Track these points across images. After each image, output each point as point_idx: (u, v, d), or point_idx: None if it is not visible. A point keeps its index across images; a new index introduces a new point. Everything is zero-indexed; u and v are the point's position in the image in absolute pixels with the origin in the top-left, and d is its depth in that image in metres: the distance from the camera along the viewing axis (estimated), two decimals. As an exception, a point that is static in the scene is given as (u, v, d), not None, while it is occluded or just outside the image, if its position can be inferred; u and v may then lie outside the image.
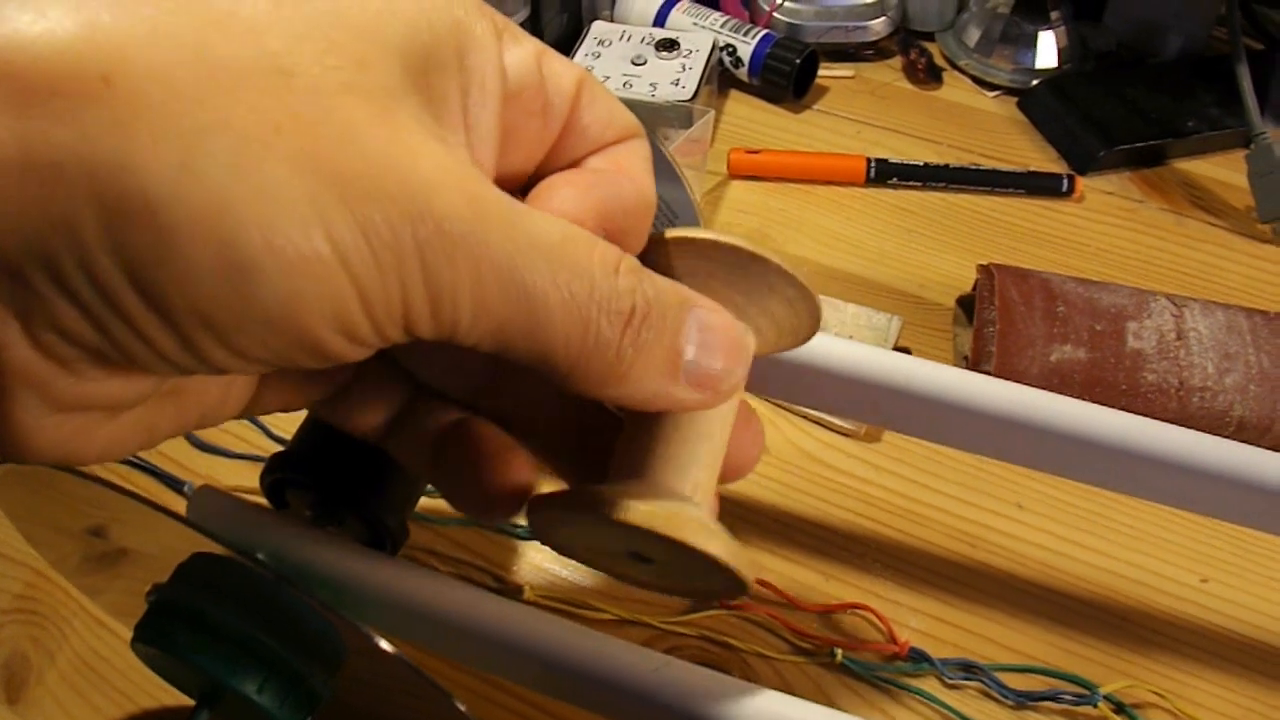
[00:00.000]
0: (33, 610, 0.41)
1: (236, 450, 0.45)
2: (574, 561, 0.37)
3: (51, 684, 0.39)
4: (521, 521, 0.43)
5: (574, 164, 0.23)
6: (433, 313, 0.17)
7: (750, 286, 0.22)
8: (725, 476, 0.25)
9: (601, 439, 0.25)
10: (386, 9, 0.18)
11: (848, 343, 0.33)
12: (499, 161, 0.21)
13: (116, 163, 0.14)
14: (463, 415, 0.25)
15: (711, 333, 0.20)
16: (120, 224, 0.15)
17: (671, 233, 0.23)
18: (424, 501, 0.44)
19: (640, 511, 0.20)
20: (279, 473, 0.31)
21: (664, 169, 0.44)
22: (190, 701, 0.29)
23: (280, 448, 0.35)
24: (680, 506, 0.21)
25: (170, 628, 0.27)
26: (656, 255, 0.23)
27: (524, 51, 0.21)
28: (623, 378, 0.19)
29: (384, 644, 0.25)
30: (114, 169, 0.14)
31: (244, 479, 0.44)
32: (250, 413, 0.24)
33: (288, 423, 0.34)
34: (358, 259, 0.16)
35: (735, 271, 0.22)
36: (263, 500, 0.33)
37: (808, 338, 0.24)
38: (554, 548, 0.25)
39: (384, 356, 0.23)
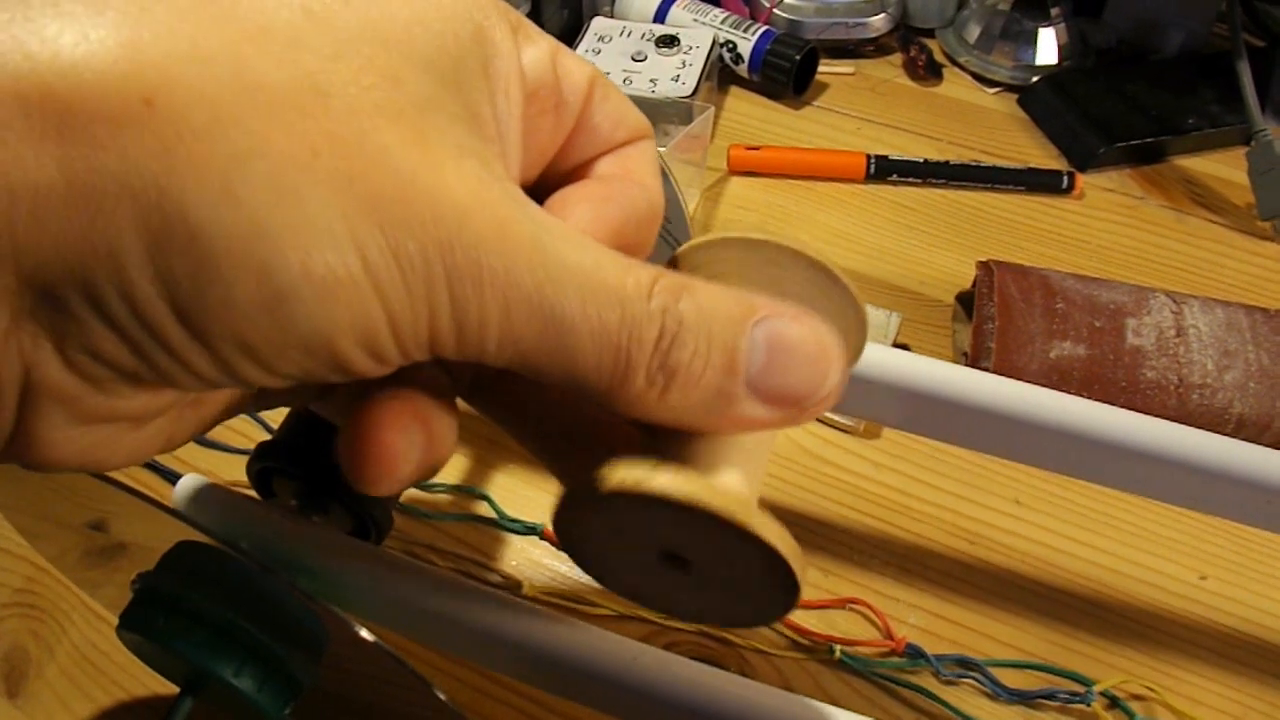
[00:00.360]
0: (32, 604, 0.41)
1: (235, 445, 0.46)
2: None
3: (51, 677, 0.39)
4: (521, 517, 0.43)
5: (583, 165, 0.23)
6: (458, 337, 0.17)
7: (824, 305, 0.21)
8: None
9: (611, 439, 0.23)
10: (415, 20, 0.17)
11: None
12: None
13: (159, 188, 0.14)
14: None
15: (784, 343, 0.18)
16: (163, 251, 0.15)
17: (732, 234, 0.22)
18: (422, 497, 0.44)
19: (688, 482, 0.18)
20: (265, 462, 0.31)
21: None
22: (183, 693, 0.29)
23: (276, 440, 0.35)
24: (730, 488, 0.19)
25: (151, 614, 0.27)
26: (725, 260, 0.22)
27: (539, 50, 0.21)
28: (660, 400, 0.18)
29: (364, 632, 0.25)
30: (156, 195, 0.14)
31: (241, 473, 0.44)
32: (251, 409, 0.23)
33: (282, 414, 0.34)
34: (388, 283, 0.16)
35: (809, 287, 0.21)
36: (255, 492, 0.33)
37: (855, 354, 0.23)
38: (579, 557, 0.23)
39: None
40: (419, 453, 0.19)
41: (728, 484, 0.20)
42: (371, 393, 0.20)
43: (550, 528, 0.42)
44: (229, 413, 0.22)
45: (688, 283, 0.18)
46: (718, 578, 0.21)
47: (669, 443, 0.20)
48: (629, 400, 0.18)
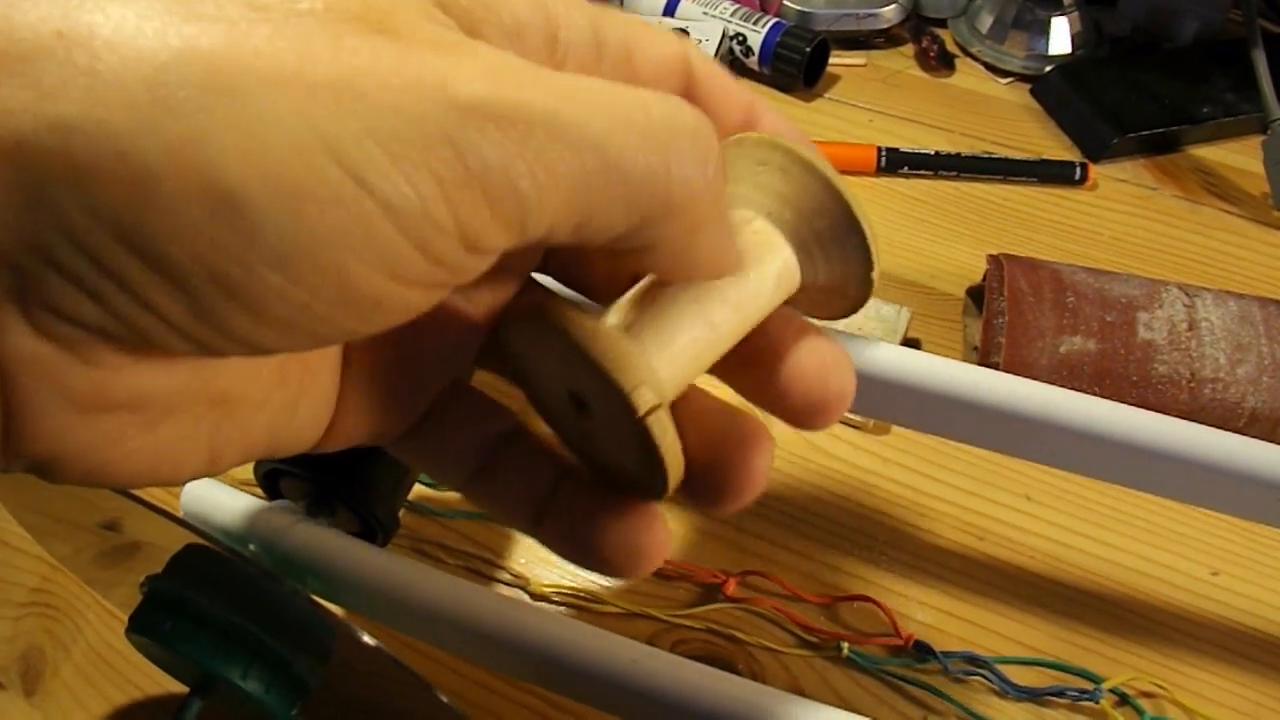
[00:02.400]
0: (48, 604, 0.41)
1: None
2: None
3: (67, 677, 0.39)
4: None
5: None
6: (491, 209, 0.15)
7: (825, 238, 0.21)
8: (802, 414, 0.21)
9: None
10: None
11: (854, 338, 0.33)
12: None
13: (79, 114, 0.13)
14: (559, 466, 0.23)
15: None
16: (93, 178, 0.13)
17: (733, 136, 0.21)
18: (431, 494, 0.44)
19: (571, 319, 0.17)
20: (272, 463, 0.31)
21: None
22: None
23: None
24: (622, 337, 0.18)
25: (159, 617, 0.28)
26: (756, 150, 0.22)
27: (581, 16, 0.19)
28: (712, 220, 0.17)
29: (366, 637, 0.26)
30: (77, 121, 0.13)
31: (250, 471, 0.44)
32: (329, 445, 0.22)
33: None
34: (374, 172, 0.14)
35: (831, 223, 0.21)
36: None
37: (852, 308, 0.22)
38: (514, 369, 0.22)
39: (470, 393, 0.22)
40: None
41: (651, 352, 0.19)
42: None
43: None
44: (288, 430, 0.20)
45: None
46: (611, 433, 0.20)
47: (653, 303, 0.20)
48: (690, 216, 0.17)
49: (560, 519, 0.22)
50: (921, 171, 0.63)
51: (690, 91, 0.22)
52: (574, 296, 0.24)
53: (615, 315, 0.20)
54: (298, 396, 0.20)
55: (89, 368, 0.15)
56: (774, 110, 0.23)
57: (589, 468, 0.22)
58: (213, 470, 0.19)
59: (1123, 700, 0.38)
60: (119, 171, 0.13)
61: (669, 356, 0.19)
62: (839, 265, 0.21)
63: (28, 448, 0.16)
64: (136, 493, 0.28)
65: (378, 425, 0.22)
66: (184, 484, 0.20)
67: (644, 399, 0.18)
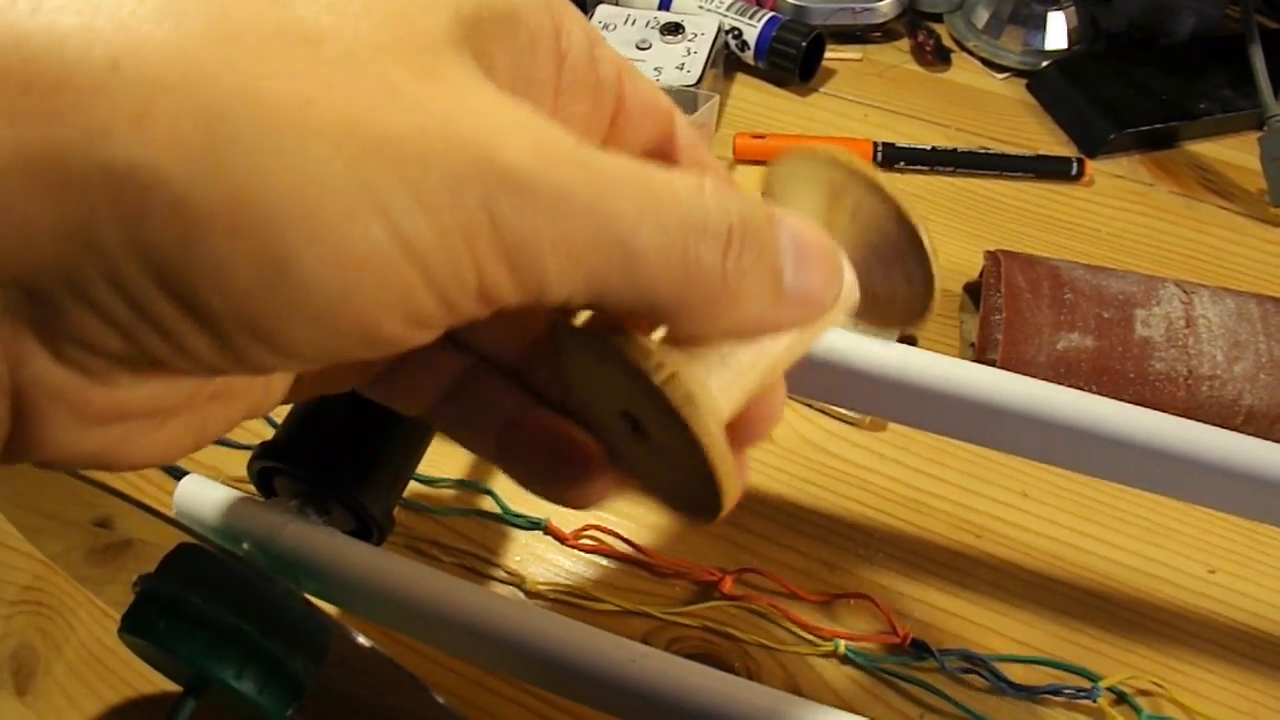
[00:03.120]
0: (40, 602, 0.41)
1: (240, 440, 0.46)
2: (581, 553, 0.37)
3: (59, 675, 0.39)
4: (525, 512, 0.43)
5: (631, 150, 0.22)
6: (513, 275, 0.15)
7: (887, 258, 0.21)
8: (744, 437, 0.22)
9: None
10: None
11: (850, 335, 0.33)
12: None
13: (130, 158, 0.13)
14: (524, 399, 0.23)
15: (805, 245, 0.18)
16: (143, 225, 0.13)
17: (863, 170, 0.21)
18: (428, 492, 0.44)
19: (641, 347, 0.18)
20: (266, 461, 0.31)
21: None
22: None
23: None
24: (688, 367, 0.19)
25: (152, 617, 0.27)
26: (821, 169, 0.21)
27: (578, 31, 0.20)
28: (733, 305, 0.17)
29: (361, 638, 0.25)
30: (129, 164, 0.13)
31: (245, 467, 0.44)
32: (293, 398, 0.22)
33: (284, 410, 0.34)
34: (416, 233, 0.14)
35: (899, 242, 0.21)
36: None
37: (922, 312, 0.22)
38: (563, 382, 0.23)
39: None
40: None
41: (712, 371, 0.19)
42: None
43: (553, 521, 0.42)
44: (263, 403, 0.21)
45: (728, 183, 0.18)
46: (666, 456, 0.20)
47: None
48: (699, 310, 0.17)
49: (519, 454, 0.23)
50: (918, 167, 0.63)
51: (668, 153, 0.23)
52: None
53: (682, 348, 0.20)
54: (272, 375, 0.21)
55: (105, 388, 0.15)
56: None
57: (632, 476, 0.23)
58: (198, 447, 0.19)
59: (1120, 698, 0.38)
60: (170, 219, 0.13)
61: (728, 382, 0.20)
62: (901, 283, 0.22)
63: (37, 454, 0.16)
64: (128, 491, 0.28)
65: (341, 383, 0.23)
66: (172, 463, 0.20)
67: (709, 433, 0.18)
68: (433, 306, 0.15)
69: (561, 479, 0.22)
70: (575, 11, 0.20)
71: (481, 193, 0.14)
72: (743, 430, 0.22)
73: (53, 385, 0.15)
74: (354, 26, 0.15)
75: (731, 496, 0.19)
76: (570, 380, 0.22)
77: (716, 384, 0.20)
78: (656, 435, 0.20)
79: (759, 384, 0.21)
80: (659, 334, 0.21)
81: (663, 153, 0.23)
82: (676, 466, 0.20)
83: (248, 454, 0.32)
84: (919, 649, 0.39)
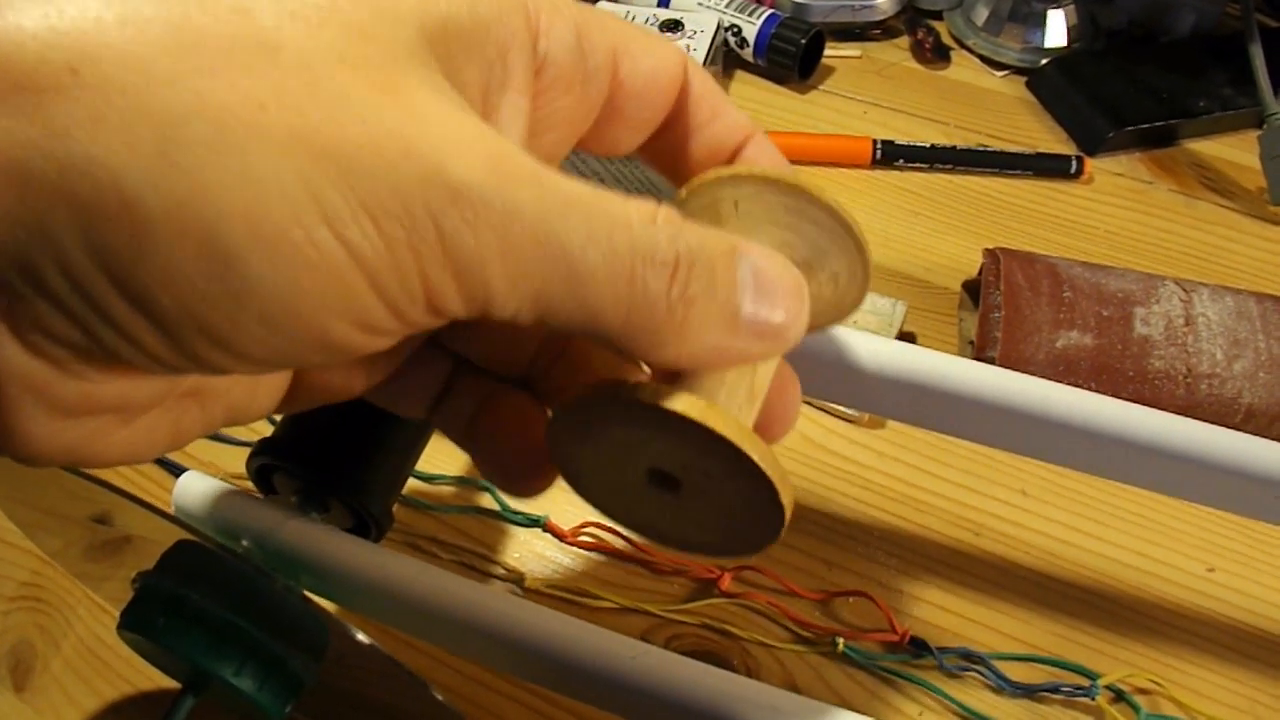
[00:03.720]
0: (38, 598, 0.41)
1: (239, 437, 0.46)
2: (579, 550, 0.37)
3: (57, 671, 0.39)
4: (524, 509, 0.43)
5: (634, 126, 0.23)
6: (459, 287, 0.16)
7: (809, 233, 0.21)
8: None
9: None
10: None
11: (849, 332, 0.33)
12: (530, 145, 0.20)
13: (87, 156, 0.14)
14: (498, 385, 0.24)
15: (767, 280, 0.19)
16: (95, 221, 0.14)
17: (719, 172, 0.21)
18: (427, 489, 0.44)
19: (681, 399, 0.18)
20: (264, 458, 0.31)
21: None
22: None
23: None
24: (724, 406, 0.19)
25: (151, 614, 0.27)
26: (702, 199, 0.22)
27: (564, 26, 0.20)
28: (679, 334, 0.18)
29: (360, 635, 0.25)
30: (85, 163, 0.14)
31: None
32: (290, 408, 0.22)
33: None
34: (361, 239, 0.14)
35: (793, 215, 0.21)
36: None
37: (854, 305, 0.23)
38: (569, 473, 0.22)
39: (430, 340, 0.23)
40: None
41: (733, 409, 0.20)
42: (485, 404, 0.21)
43: (552, 519, 0.42)
44: (249, 409, 0.21)
45: (681, 218, 0.18)
46: (704, 503, 0.21)
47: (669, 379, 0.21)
48: (644, 337, 0.17)
49: (483, 444, 0.24)
50: (917, 164, 0.63)
51: (681, 106, 0.23)
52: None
53: (682, 386, 0.20)
54: (257, 381, 0.21)
55: (74, 380, 0.16)
56: (767, 139, 0.24)
57: (654, 537, 0.23)
58: (175, 447, 0.20)
59: (1118, 696, 0.38)
60: (121, 217, 0.14)
61: (744, 406, 0.21)
62: (844, 280, 0.22)
63: (12, 447, 0.17)
64: (126, 488, 0.28)
65: (334, 392, 0.23)
66: (149, 461, 0.20)
67: (762, 456, 0.18)
68: (380, 313, 0.16)
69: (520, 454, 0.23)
70: (564, 4, 0.20)
71: (429, 206, 0.15)
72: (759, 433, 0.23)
73: (24, 374, 0.15)
74: (314, 37, 0.15)
75: (790, 509, 0.20)
76: (579, 468, 0.22)
77: (740, 410, 0.20)
78: (694, 480, 0.20)
79: (762, 395, 0.21)
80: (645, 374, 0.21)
81: (677, 119, 0.23)
82: (718, 505, 0.21)
83: (247, 450, 0.32)
84: (918, 647, 0.39)
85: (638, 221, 0.17)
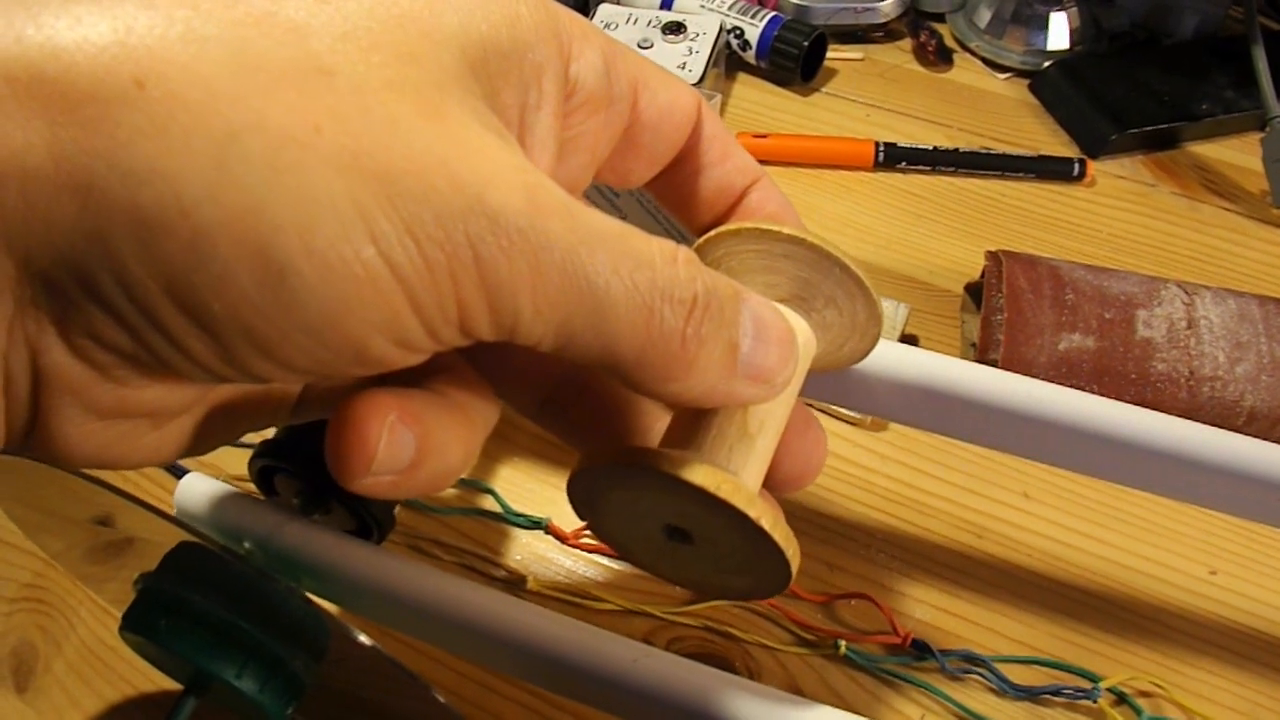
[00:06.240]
0: (40, 599, 0.41)
1: (243, 440, 0.46)
2: (582, 552, 0.37)
3: (59, 673, 0.39)
4: (526, 511, 0.43)
5: (648, 158, 0.23)
6: (490, 311, 0.16)
7: (815, 283, 0.22)
8: (787, 485, 0.24)
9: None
10: (445, 1, 0.17)
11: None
12: (557, 167, 0.21)
13: (149, 168, 0.14)
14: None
15: (764, 326, 0.20)
16: (152, 231, 0.14)
17: (729, 226, 0.22)
18: (428, 491, 0.44)
19: (702, 471, 0.19)
20: (266, 459, 0.31)
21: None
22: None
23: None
24: (737, 477, 0.21)
25: (153, 615, 0.27)
26: (712, 250, 0.23)
27: (593, 52, 0.20)
28: (688, 369, 0.18)
29: (362, 637, 0.25)
30: (146, 174, 0.14)
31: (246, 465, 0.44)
32: (303, 416, 0.23)
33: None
34: (405, 259, 0.15)
35: (766, 258, 0.22)
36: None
37: (871, 344, 0.24)
38: (590, 520, 0.24)
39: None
40: (407, 454, 0.18)
41: (740, 473, 0.21)
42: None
43: (554, 521, 0.42)
44: (263, 418, 0.22)
45: (697, 259, 0.19)
46: (716, 555, 0.22)
47: (682, 424, 0.22)
48: (656, 369, 0.18)
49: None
50: (919, 167, 0.63)
51: (693, 145, 0.24)
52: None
53: (697, 447, 0.22)
54: (278, 389, 0.22)
55: (114, 385, 0.16)
56: (772, 183, 0.25)
57: (671, 577, 0.25)
58: (200, 453, 0.20)
59: (1120, 699, 0.38)
60: (179, 228, 0.14)
61: (753, 467, 0.22)
62: (848, 323, 0.23)
63: (46, 446, 0.17)
64: (129, 489, 0.28)
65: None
66: (171, 463, 0.20)
67: (769, 520, 0.20)
68: (417, 330, 0.16)
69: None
70: (592, 32, 0.21)
71: (469, 231, 0.15)
72: (786, 482, 0.24)
73: (67, 377, 0.16)
74: (365, 61, 0.16)
75: (796, 567, 0.21)
76: (600, 521, 0.24)
77: (739, 462, 0.21)
78: (705, 535, 0.22)
79: (772, 447, 0.22)
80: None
81: (688, 157, 0.24)
82: (729, 557, 0.22)
83: (248, 452, 0.32)
84: (920, 649, 0.39)
85: (660, 261, 0.18)
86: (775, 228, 0.22)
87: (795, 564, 0.21)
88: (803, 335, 0.23)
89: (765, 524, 0.20)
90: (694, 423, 0.22)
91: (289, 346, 0.16)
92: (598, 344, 0.17)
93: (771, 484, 0.24)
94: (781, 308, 0.22)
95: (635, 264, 0.17)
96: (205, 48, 0.15)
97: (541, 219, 0.16)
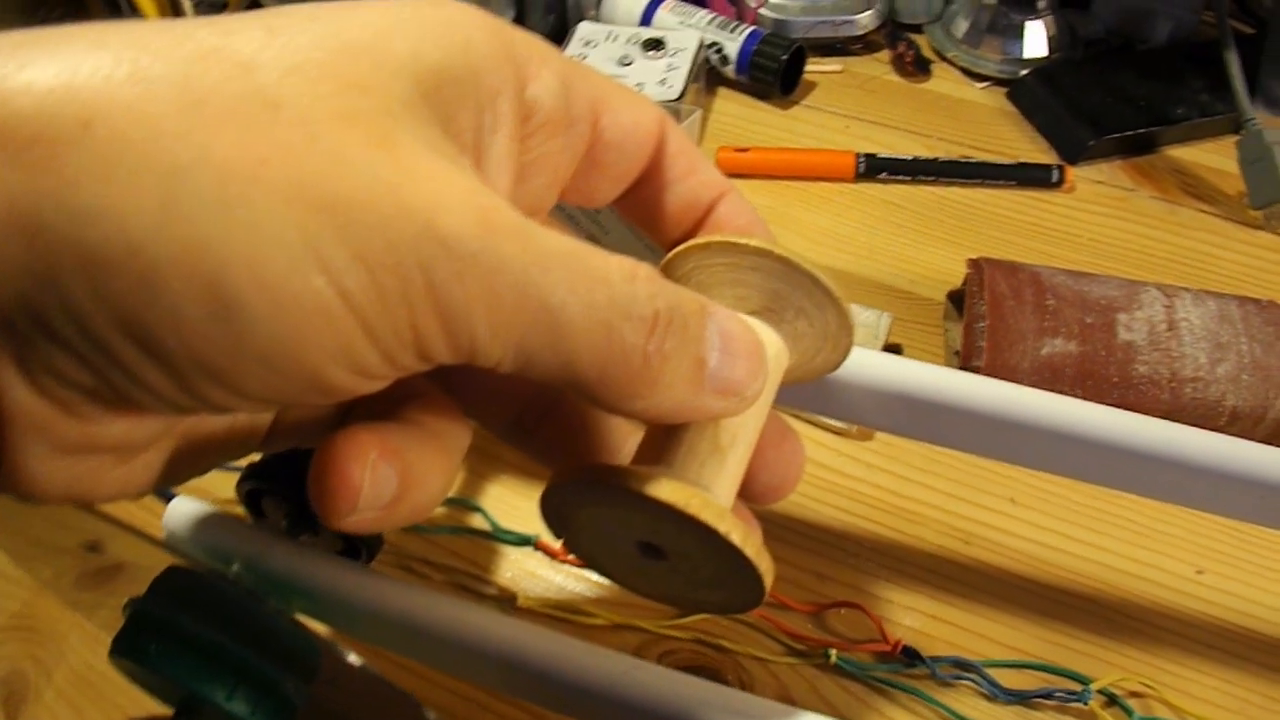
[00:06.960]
0: (30, 627, 0.41)
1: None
2: (571, 568, 0.37)
3: (49, 701, 0.39)
4: (515, 528, 0.43)
5: (612, 177, 0.23)
6: (446, 335, 0.16)
7: (784, 294, 0.22)
8: (765, 497, 0.24)
9: None
10: (391, 28, 0.17)
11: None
12: (518, 189, 0.21)
13: (96, 207, 0.14)
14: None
15: (731, 339, 0.20)
16: (102, 269, 0.14)
17: (697, 241, 0.23)
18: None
19: (671, 488, 0.19)
20: (253, 482, 0.31)
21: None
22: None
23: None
24: (708, 494, 0.21)
25: (142, 639, 0.27)
26: (681, 265, 0.23)
27: (550, 74, 0.20)
28: (651, 387, 0.18)
29: (352, 656, 0.25)
30: (94, 213, 0.14)
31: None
32: (275, 446, 0.23)
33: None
34: (356, 288, 0.15)
35: (735, 271, 0.22)
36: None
37: (844, 354, 0.24)
38: (564, 538, 0.24)
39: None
40: (389, 490, 0.18)
41: (712, 488, 0.21)
42: (348, 422, 0.20)
43: (543, 537, 0.42)
44: (233, 449, 0.22)
45: (660, 275, 0.19)
46: (690, 571, 0.22)
47: (654, 439, 0.22)
48: (619, 388, 0.18)
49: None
50: (900, 177, 0.63)
51: (658, 161, 0.24)
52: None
53: (668, 463, 0.22)
54: (246, 419, 0.22)
55: (78, 421, 0.16)
56: (740, 196, 0.25)
57: (647, 593, 0.25)
58: (168, 485, 0.21)
59: (1111, 700, 0.39)
60: (128, 265, 0.14)
61: (725, 481, 0.22)
62: (820, 333, 0.23)
63: (14, 483, 0.17)
64: (117, 516, 0.28)
65: (312, 433, 0.23)
66: (141, 497, 0.20)
67: (740, 536, 0.20)
68: (373, 357, 0.16)
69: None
70: (549, 54, 0.21)
71: (420, 256, 0.15)
72: (764, 494, 0.24)
73: (31, 414, 0.16)
74: (313, 93, 0.16)
75: (768, 585, 0.21)
76: (575, 539, 0.24)
77: (710, 477, 0.21)
78: (678, 551, 0.22)
79: (744, 465, 0.23)
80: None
81: (653, 174, 0.24)
82: (702, 573, 0.22)
83: (236, 475, 0.32)
84: (910, 656, 0.39)
85: (618, 278, 0.18)
86: (742, 240, 0.22)
87: (769, 578, 0.21)
88: (773, 347, 0.23)
89: (736, 539, 0.20)
90: (665, 439, 0.22)
91: (245, 377, 0.16)
92: (558, 363, 0.17)
93: (749, 496, 0.24)
94: (751, 320, 0.22)
95: (592, 282, 0.17)
96: (151, 86, 0.15)
97: (494, 241, 0.16)
